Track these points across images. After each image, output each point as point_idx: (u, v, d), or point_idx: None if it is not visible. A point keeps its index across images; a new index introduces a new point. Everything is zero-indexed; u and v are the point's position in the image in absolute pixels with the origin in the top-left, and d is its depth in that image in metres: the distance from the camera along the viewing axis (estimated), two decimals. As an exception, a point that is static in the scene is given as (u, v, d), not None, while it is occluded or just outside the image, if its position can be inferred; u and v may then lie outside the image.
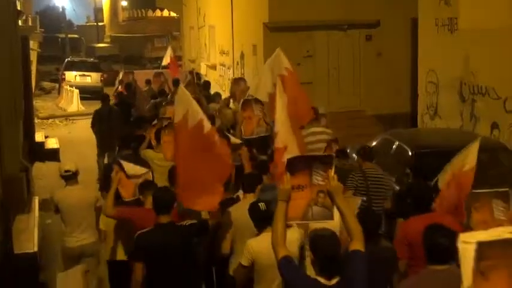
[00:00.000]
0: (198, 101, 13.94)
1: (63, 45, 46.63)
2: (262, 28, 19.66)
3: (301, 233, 6.07)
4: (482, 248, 3.08)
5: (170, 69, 20.94)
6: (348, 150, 10.22)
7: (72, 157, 10.12)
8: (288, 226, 5.09)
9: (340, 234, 5.16)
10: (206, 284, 7.68)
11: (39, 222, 11.82)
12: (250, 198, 7.01)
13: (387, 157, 10.97)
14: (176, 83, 17.30)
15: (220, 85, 24.42)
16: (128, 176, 7.93)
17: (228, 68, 24.01)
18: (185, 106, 7.19)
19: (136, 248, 6.43)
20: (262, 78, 10.38)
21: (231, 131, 10.82)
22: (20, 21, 17.52)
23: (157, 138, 10.05)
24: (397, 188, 9.85)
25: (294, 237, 5.90)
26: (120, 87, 20.38)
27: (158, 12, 49.82)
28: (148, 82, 18.94)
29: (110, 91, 23.23)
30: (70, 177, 8.55)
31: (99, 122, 15.37)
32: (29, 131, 17.85)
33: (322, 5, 19.15)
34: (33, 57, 26.80)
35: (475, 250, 3.08)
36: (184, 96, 7.37)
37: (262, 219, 6.13)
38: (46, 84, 36.73)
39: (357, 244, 4.79)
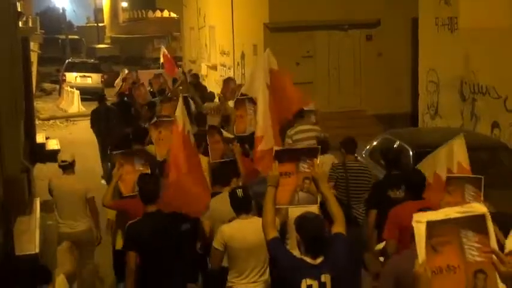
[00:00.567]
0: (193, 100, 14.36)
1: (63, 46, 46.64)
2: (262, 28, 19.67)
3: (279, 217, 6.25)
4: (432, 226, 3.49)
5: (166, 69, 20.97)
6: None
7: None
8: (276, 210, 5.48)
9: None
10: (202, 272, 7.87)
11: (41, 223, 11.82)
12: (228, 190, 7.23)
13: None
14: (175, 82, 17.81)
15: (220, 86, 24.40)
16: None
17: (229, 68, 24.02)
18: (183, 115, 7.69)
19: (128, 238, 6.73)
20: (254, 77, 10.53)
21: (225, 128, 10.95)
22: (20, 23, 17.52)
23: None
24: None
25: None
26: (123, 85, 20.47)
27: (158, 13, 49.83)
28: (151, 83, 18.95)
29: (110, 92, 23.27)
30: (66, 167, 8.99)
31: (97, 122, 15.53)
32: (30, 132, 17.84)
33: (322, 5, 19.15)
34: (34, 58, 26.79)
35: (426, 228, 3.49)
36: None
37: (239, 205, 6.48)
38: (47, 85, 36.71)
39: (339, 227, 5.21)
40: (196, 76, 20.26)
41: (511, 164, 10.55)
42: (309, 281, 5.01)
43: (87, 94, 29.38)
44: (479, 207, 3.63)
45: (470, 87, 13.94)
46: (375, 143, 11.92)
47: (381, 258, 6.92)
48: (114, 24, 57.61)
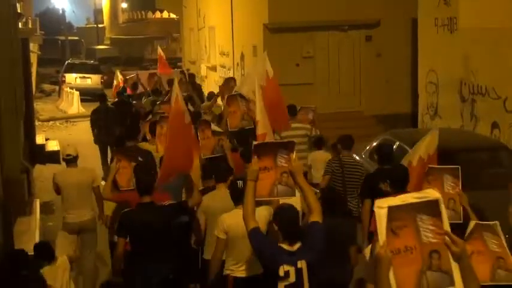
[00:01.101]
0: (191, 98, 14.81)
1: (63, 47, 46.65)
2: (262, 29, 19.68)
3: (270, 210, 6.56)
4: (393, 211, 3.77)
5: (159, 69, 21.12)
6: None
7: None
8: (257, 203, 5.85)
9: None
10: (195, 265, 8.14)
11: (41, 224, 11.83)
12: (223, 187, 7.63)
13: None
14: (171, 83, 17.60)
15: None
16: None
17: (229, 69, 24.02)
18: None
19: (120, 225, 7.02)
20: (249, 77, 10.90)
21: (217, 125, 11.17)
22: (20, 24, 17.53)
23: (152, 132, 10.70)
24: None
25: (263, 214, 6.53)
26: (121, 85, 20.73)
27: (158, 14, 49.82)
28: (169, 82, 19.13)
29: (109, 93, 23.26)
30: (70, 161, 9.37)
31: (97, 122, 15.70)
32: (30, 133, 17.85)
33: (322, 6, 19.16)
34: (34, 59, 26.79)
35: (386, 213, 3.76)
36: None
37: (238, 196, 6.66)
38: (46, 86, 36.73)
39: (316, 216, 5.60)
40: (192, 76, 20.42)
41: (510, 164, 10.55)
42: (286, 267, 5.40)
43: (86, 95, 29.38)
44: (433, 193, 3.88)
45: (469, 88, 13.95)
46: (374, 144, 11.93)
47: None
48: (113, 25, 57.60)
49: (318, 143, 11.25)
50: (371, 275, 4.31)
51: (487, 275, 5.38)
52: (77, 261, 8.55)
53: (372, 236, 7.06)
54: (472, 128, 13.72)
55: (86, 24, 63.29)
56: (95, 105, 16.82)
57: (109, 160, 11.88)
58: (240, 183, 6.86)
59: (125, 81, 21.34)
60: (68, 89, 30.14)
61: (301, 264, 5.44)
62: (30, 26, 21.11)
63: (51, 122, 26.35)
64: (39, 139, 19.61)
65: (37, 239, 10.90)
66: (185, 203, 7.70)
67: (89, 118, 16.70)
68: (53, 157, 17.50)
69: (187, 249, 8.01)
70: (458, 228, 5.40)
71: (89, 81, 32.51)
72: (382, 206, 3.82)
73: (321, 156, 10.89)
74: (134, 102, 17.25)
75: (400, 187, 6.84)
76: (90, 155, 16.09)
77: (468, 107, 14.03)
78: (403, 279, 3.77)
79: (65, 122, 26.42)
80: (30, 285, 7.03)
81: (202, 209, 7.68)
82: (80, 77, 32.55)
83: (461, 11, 14.08)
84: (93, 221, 9.42)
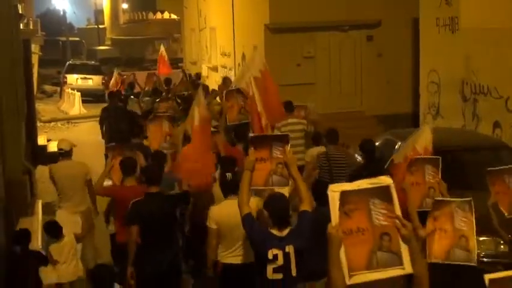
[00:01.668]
0: (191, 97, 14.81)
1: (64, 48, 46.55)
2: (263, 29, 19.68)
3: (259, 201, 6.90)
4: (345, 195, 4.06)
5: (159, 69, 21.29)
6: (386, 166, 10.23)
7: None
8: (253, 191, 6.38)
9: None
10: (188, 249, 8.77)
11: (43, 225, 11.83)
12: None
13: (389, 157, 10.94)
14: (168, 82, 18.46)
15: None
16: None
17: (230, 70, 24.02)
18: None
19: (131, 214, 7.58)
20: (245, 71, 11.17)
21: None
22: (21, 25, 17.53)
23: None
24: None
25: (253, 205, 6.77)
26: (112, 85, 21.41)
27: (159, 15, 49.78)
28: (166, 82, 19.34)
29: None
30: (64, 154, 9.86)
31: (107, 119, 15.98)
32: (32, 134, 17.86)
33: (323, 6, 19.16)
34: (35, 60, 26.78)
35: (339, 196, 4.05)
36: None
37: (227, 187, 7.28)
38: (48, 87, 36.69)
39: (306, 206, 5.98)
40: (197, 76, 20.77)
41: (512, 164, 10.53)
42: (274, 251, 5.81)
43: (88, 96, 29.39)
44: (386, 180, 4.15)
45: (471, 88, 13.95)
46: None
47: None
48: (114, 26, 57.57)
49: (316, 140, 11.60)
50: None
51: (443, 254, 5.63)
52: (82, 238, 9.08)
53: None
54: (473, 128, 13.71)
55: (87, 25, 63.23)
56: (96, 106, 17.00)
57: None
58: (228, 175, 7.38)
59: (123, 81, 21.60)
60: (69, 90, 30.13)
61: (289, 248, 5.81)
62: (31, 27, 21.11)
63: (52, 123, 26.35)
64: (41, 140, 19.61)
65: (39, 240, 10.91)
66: (188, 193, 8.40)
67: (91, 119, 16.81)
68: (54, 158, 17.47)
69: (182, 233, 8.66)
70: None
71: (90, 82, 32.49)
72: (335, 190, 4.10)
73: (319, 151, 11.03)
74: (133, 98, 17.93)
75: None
76: (92, 156, 16.11)
77: (470, 106, 14.03)
78: (354, 257, 4.01)
79: (66, 123, 26.42)
80: (31, 258, 8.00)
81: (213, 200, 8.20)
82: (81, 78, 32.53)
83: (462, 11, 14.08)
84: (88, 212, 9.76)
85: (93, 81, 32.49)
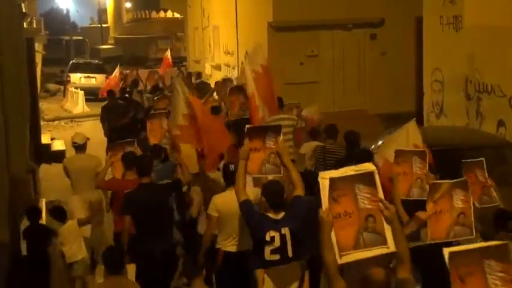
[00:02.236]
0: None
1: (67, 47, 46.61)
2: (266, 28, 19.67)
3: (256, 193, 7.12)
4: (334, 181, 4.43)
5: (162, 68, 21.81)
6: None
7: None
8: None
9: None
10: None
11: (47, 223, 11.84)
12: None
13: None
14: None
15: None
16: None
17: (233, 68, 24.02)
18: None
19: (125, 204, 7.93)
20: (246, 66, 11.36)
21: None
22: (25, 24, 17.56)
23: None
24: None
25: (253, 195, 7.11)
26: (121, 84, 21.54)
27: (162, 14, 49.77)
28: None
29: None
30: (78, 148, 10.50)
31: (107, 117, 16.31)
32: (35, 133, 17.87)
33: (326, 5, 19.15)
34: (38, 59, 26.81)
35: (328, 183, 4.43)
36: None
37: (229, 178, 7.51)
38: (51, 86, 36.70)
39: (299, 191, 6.42)
40: (190, 74, 21.71)
41: (516, 162, 10.53)
42: (271, 233, 6.20)
43: (91, 95, 29.39)
44: (369, 166, 4.53)
45: (475, 86, 13.92)
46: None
47: None
48: (117, 24, 57.59)
49: (313, 135, 12.04)
50: None
51: (444, 233, 5.80)
52: (86, 223, 9.54)
53: None
54: (477, 126, 13.68)
55: (90, 24, 63.27)
56: (99, 105, 17.13)
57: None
58: (231, 166, 7.62)
59: (124, 79, 21.90)
60: (73, 89, 30.15)
61: (285, 230, 6.20)
62: (35, 25, 21.16)
63: (56, 122, 26.38)
64: (45, 139, 19.63)
65: (43, 239, 10.90)
66: (179, 181, 8.89)
67: (95, 118, 16.91)
68: (58, 157, 17.49)
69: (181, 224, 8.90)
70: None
71: (93, 81, 32.51)
72: (325, 177, 4.47)
73: (311, 146, 11.48)
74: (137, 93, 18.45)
75: None
76: (96, 153, 16.11)
77: (474, 105, 14.00)
78: (342, 238, 4.39)
79: (70, 121, 26.45)
80: (39, 231, 8.94)
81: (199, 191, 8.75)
82: (84, 77, 32.56)
83: (466, 9, 14.04)
84: (100, 202, 10.30)
85: (97, 80, 32.49)
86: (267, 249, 6.21)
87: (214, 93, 16.18)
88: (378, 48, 20.03)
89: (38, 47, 26.44)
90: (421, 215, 5.88)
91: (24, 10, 17.87)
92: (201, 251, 7.64)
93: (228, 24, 24.52)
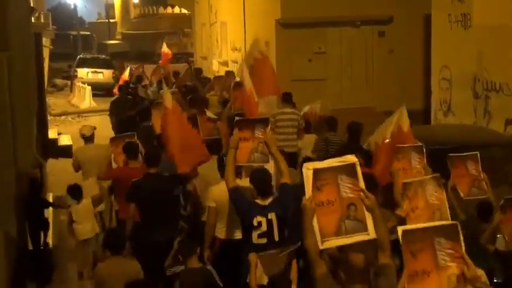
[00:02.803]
0: (195, 87, 16.58)
1: (75, 42, 46.63)
2: (274, 24, 19.65)
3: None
4: (318, 172, 4.66)
5: (162, 62, 22.43)
6: (365, 146, 10.52)
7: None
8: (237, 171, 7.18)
9: None
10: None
11: (54, 218, 11.87)
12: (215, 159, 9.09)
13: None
14: (176, 74, 20.14)
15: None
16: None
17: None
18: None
19: (130, 192, 8.20)
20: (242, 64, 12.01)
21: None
22: (32, 18, 17.56)
23: None
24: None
25: (246, 184, 7.32)
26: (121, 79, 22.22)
27: (169, 9, 49.79)
28: (175, 75, 20.30)
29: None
30: (86, 139, 11.06)
31: (115, 111, 16.60)
32: (43, 128, 17.90)
33: (334, 2, 19.12)
34: (46, 54, 26.83)
35: (312, 174, 4.64)
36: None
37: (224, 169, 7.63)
38: (58, 81, 36.76)
39: (285, 179, 6.77)
40: (199, 70, 22.28)
41: (525, 161, 10.49)
42: (258, 218, 6.57)
43: (98, 90, 29.43)
44: (351, 158, 4.74)
45: (483, 84, 13.89)
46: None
47: None
48: (125, 20, 57.65)
49: (307, 128, 12.69)
50: None
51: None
52: (100, 201, 10.11)
53: None
54: (485, 125, 13.65)
55: (98, 19, 63.36)
56: (106, 100, 17.24)
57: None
58: (225, 159, 7.83)
59: (130, 74, 22.28)
60: (80, 84, 30.19)
61: (272, 216, 6.57)
62: (42, 20, 21.16)
63: (63, 117, 26.42)
64: (52, 134, 19.67)
65: (50, 233, 10.95)
66: (185, 175, 8.95)
67: (102, 113, 16.96)
68: (65, 151, 17.52)
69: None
70: None
71: (100, 76, 32.55)
72: (308, 168, 4.70)
73: (310, 139, 12.10)
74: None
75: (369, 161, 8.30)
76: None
77: (481, 103, 13.96)
78: (325, 225, 4.61)
79: (77, 116, 26.48)
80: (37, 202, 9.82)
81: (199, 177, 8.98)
82: (91, 72, 32.59)
83: (475, 7, 14.01)
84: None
85: (104, 75, 32.54)
86: (255, 234, 6.59)
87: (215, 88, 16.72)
88: (386, 46, 19.98)
89: (46, 41, 26.44)
90: (399, 212, 6.16)
91: (32, 5, 17.88)
92: (205, 242, 7.80)
93: (235, 20, 24.51)
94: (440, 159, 9.75)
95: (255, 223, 6.60)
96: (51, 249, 10.79)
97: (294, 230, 6.22)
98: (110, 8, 60.18)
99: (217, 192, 7.75)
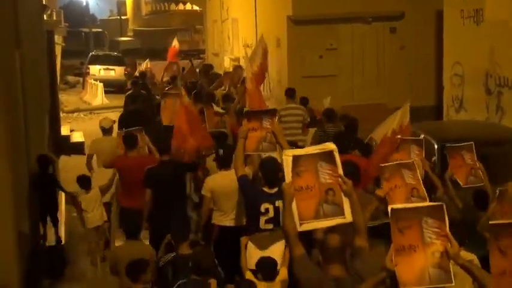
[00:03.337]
0: (199, 84, 17.35)
1: (86, 39, 46.74)
2: (286, 21, 19.63)
3: (248, 171, 7.84)
4: (297, 159, 4.93)
5: (169, 58, 22.51)
6: (374, 143, 10.65)
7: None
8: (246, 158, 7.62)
9: None
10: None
11: (66, 215, 11.93)
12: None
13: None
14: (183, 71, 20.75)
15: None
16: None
17: (252, 61, 23.95)
18: None
19: (146, 178, 8.86)
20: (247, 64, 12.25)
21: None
22: (45, 16, 17.64)
23: None
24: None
25: (251, 171, 7.96)
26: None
27: (181, 6, 49.82)
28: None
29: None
30: (105, 131, 11.54)
31: (131, 105, 16.59)
32: (55, 125, 17.98)
33: (346, -2, 19.09)
34: (58, 51, 26.92)
35: (291, 160, 4.93)
36: None
37: (221, 161, 8.53)
38: (70, 78, 36.88)
39: None
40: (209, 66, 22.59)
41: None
42: (266, 205, 7.07)
43: (110, 87, 29.50)
44: (330, 146, 5.01)
45: (495, 80, 13.83)
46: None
47: None
48: (137, 17, 57.69)
49: (312, 122, 13.31)
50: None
51: (402, 203, 6.10)
52: (108, 189, 10.51)
53: None
54: (497, 121, 13.58)
55: (109, 16, 63.40)
56: (118, 97, 17.30)
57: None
58: (220, 151, 8.74)
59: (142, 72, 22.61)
60: (92, 81, 30.29)
61: (279, 203, 6.87)
62: (54, 18, 21.25)
63: (75, 114, 26.54)
64: (64, 130, 19.77)
65: (63, 230, 11.02)
66: (194, 162, 9.70)
67: (114, 110, 16.98)
68: (77, 148, 17.61)
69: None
70: None
71: (112, 73, 32.63)
72: (288, 155, 4.99)
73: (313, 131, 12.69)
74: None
75: (345, 150, 8.57)
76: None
77: (494, 99, 13.90)
78: (303, 209, 4.89)
79: (89, 113, 26.58)
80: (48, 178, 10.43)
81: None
82: (103, 69, 32.67)
83: (487, 2, 13.93)
84: None
85: (116, 72, 32.61)
86: (262, 219, 7.09)
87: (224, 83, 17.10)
88: (397, 42, 19.92)
89: (58, 39, 26.52)
90: (378, 192, 6.42)
91: (44, 2, 17.95)
92: (199, 226, 8.73)
93: (247, 17, 24.50)
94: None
95: (262, 209, 7.07)
96: (63, 245, 10.84)
97: None
98: (121, 5, 60.23)
99: (213, 183, 8.35)
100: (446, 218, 4.37)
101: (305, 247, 5.15)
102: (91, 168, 11.24)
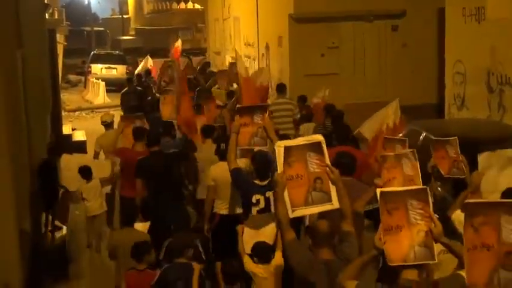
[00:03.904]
0: (196, 80, 18.26)
1: (88, 38, 46.73)
2: (287, 19, 19.61)
3: (247, 160, 8.22)
4: (288, 149, 5.36)
5: (172, 55, 23.51)
6: (355, 133, 11.48)
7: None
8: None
9: None
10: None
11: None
12: (209, 141, 10.37)
13: (414, 148, 10.88)
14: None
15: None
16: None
17: (253, 60, 24.01)
18: None
19: (138, 169, 9.10)
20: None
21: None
22: (46, 15, 17.64)
23: None
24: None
25: (243, 163, 8.16)
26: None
27: (183, 5, 49.81)
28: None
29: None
30: (107, 125, 12.15)
31: (126, 103, 17.38)
32: (57, 124, 17.98)
33: (347, -4, 19.08)
34: (60, 50, 26.92)
35: (283, 151, 5.36)
36: None
37: (222, 153, 8.74)
38: (72, 77, 36.91)
39: None
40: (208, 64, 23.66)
41: (539, 155, 10.42)
42: (257, 196, 7.39)
43: (112, 85, 29.51)
44: (318, 137, 5.47)
45: (497, 79, 13.81)
46: (400, 135, 11.85)
47: None
48: (138, 16, 57.70)
49: (307, 118, 13.64)
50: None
51: None
52: (108, 182, 11.02)
53: None
54: (499, 119, 13.57)
55: (111, 15, 63.40)
56: (120, 96, 17.39)
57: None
58: (222, 145, 9.16)
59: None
60: (94, 80, 30.32)
61: (269, 194, 7.28)
62: (56, 16, 21.26)
63: (77, 112, 26.56)
64: (66, 129, 19.75)
65: (65, 228, 11.02)
66: (186, 151, 10.19)
67: (116, 109, 17.13)
68: (79, 147, 17.61)
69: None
70: None
71: (114, 72, 32.66)
72: (280, 146, 5.40)
73: (310, 126, 12.90)
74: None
75: (343, 141, 9.29)
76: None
77: (496, 97, 13.89)
78: (294, 197, 5.30)
79: (91, 112, 26.60)
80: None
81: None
82: (105, 68, 32.72)
83: (489, 1, 13.92)
84: None
85: (118, 71, 32.66)
86: (254, 209, 7.42)
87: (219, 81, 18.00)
88: (399, 40, 19.89)
89: (60, 38, 26.52)
90: (377, 181, 6.57)
91: (46, 1, 17.95)
92: (204, 217, 8.88)
93: (248, 15, 24.49)
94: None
95: (253, 200, 7.40)
96: (66, 244, 10.85)
97: None
98: (123, 3, 60.25)
99: (216, 172, 8.67)
100: (430, 201, 4.63)
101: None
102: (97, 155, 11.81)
